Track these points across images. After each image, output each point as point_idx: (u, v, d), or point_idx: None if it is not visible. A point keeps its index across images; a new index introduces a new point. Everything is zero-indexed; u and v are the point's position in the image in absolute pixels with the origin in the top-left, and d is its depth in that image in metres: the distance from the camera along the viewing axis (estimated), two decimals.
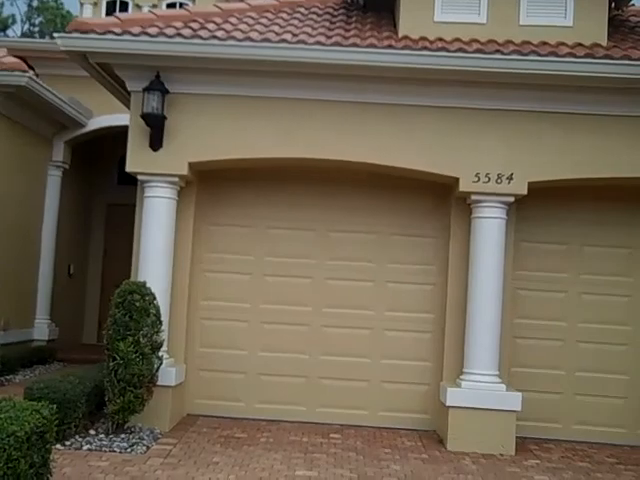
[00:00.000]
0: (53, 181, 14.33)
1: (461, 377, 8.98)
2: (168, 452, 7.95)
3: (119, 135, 14.45)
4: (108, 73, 9.56)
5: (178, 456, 7.82)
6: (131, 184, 16.64)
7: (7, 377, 11.81)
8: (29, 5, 38.44)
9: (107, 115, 14.35)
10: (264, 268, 9.89)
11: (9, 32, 37.39)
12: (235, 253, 9.89)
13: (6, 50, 13.07)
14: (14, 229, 12.98)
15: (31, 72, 12.09)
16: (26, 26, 38.65)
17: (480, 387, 8.75)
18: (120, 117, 13.83)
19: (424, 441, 9.07)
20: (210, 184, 9.83)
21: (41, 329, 14.04)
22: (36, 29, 38.27)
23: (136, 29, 8.98)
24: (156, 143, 9.09)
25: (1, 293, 12.43)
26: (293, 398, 9.74)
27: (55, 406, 6.25)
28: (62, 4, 38.62)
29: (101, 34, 8.87)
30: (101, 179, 16.41)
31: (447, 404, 8.77)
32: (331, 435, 9.08)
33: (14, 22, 38.48)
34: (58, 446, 7.65)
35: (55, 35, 9.17)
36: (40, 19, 38.64)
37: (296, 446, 8.47)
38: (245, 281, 9.87)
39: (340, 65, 8.77)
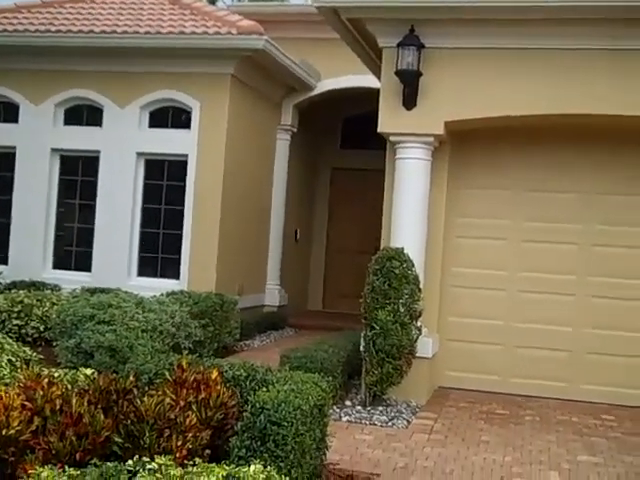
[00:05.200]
0: (282, 145, 14.28)
1: None
2: (431, 428, 7.56)
3: (344, 98, 14.35)
4: (357, 30, 9.15)
5: (443, 432, 7.42)
6: (354, 148, 16.52)
7: (246, 342, 11.88)
8: None
9: (333, 78, 14.12)
10: (521, 233, 9.15)
11: (218, 4, 38.27)
12: (489, 217, 9.22)
13: (239, 15, 13.02)
14: (249, 194, 13.00)
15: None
16: None
17: None
18: (346, 79, 13.70)
19: None
20: (462, 144, 9.21)
21: (272, 295, 14.09)
22: None
23: None
24: (410, 102, 8.57)
25: (238, 259, 12.50)
26: (553, 373, 8.98)
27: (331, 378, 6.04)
28: None
29: None
30: (325, 143, 16.24)
31: None
32: (603, 416, 8.29)
33: None
34: None
35: None
36: None
37: (567, 427, 7.79)
38: (500, 247, 9.19)
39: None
